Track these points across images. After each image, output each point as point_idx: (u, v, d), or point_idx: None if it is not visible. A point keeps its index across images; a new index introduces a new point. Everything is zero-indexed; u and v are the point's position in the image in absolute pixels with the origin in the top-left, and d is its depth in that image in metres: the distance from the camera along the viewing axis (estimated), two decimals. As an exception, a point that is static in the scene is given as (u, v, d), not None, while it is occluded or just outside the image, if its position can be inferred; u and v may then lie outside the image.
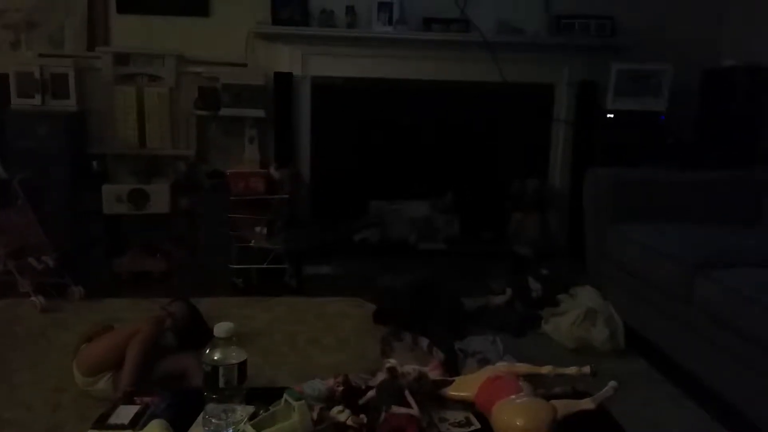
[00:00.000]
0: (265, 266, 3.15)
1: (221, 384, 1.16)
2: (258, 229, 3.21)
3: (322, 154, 3.74)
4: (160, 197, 3.34)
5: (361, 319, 2.74)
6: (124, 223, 3.44)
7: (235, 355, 1.19)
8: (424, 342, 2.19)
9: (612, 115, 3.50)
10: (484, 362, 2.00)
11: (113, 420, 1.19)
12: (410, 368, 1.22)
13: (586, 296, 2.64)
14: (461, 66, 3.67)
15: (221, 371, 1.17)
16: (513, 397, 1.15)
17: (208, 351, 1.19)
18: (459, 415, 1.21)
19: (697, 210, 2.73)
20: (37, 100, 3.33)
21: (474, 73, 3.68)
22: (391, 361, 1.21)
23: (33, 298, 2.72)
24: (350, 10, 3.52)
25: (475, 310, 2.76)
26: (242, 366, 1.19)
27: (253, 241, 3.20)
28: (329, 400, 1.18)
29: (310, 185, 3.73)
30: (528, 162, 3.82)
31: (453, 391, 1.26)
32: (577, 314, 2.51)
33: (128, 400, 1.27)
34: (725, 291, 2.01)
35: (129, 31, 3.54)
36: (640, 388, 2.16)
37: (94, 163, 3.43)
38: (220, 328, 1.20)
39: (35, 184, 3.09)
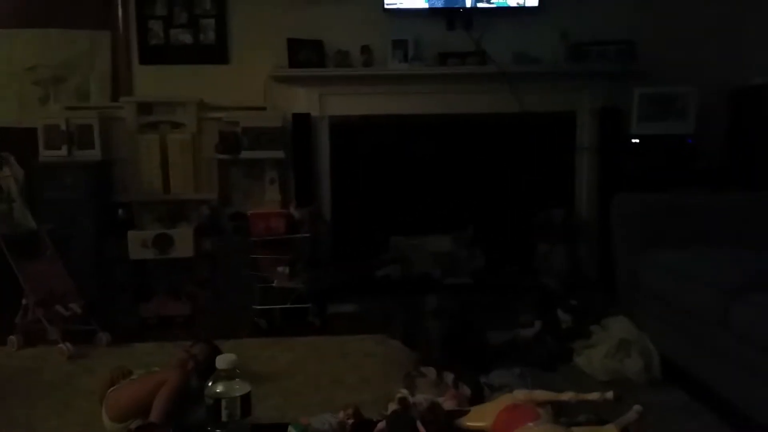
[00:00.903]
0: (288, 306, 3.12)
1: (224, 417, 1.12)
2: (280, 269, 3.21)
3: (342, 192, 3.74)
4: (184, 241, 3.36)
5: (384, 357, 2.67)
6: (149, 268, 3.47)
7: (239, 388, 1.15)
8: (450, 377, 2.11)
9: (637, 140, 3.42)
10: (511, 398, 1.91)
11: None
12: (422, 398, 1.16)
13: (618, 327, 2.53)
14: (479, 98, 3.66)
15: (224, 404, 1.13)
16: (531, 424, 1.08)
17: (210, 384, 1.15)
18: None
19: (730, 234, 2.62)
20: (63, 151, 3.43)
21: (492, 105, 3.66)
22: (403, 391, 1.15)
23: (61, 345, 2.74)
24: (365, 49, 3.57)
25: (502, 345, 2.66)
26: (245, 399, 1.15)
27: (275, 282, 3.19)
28: (339, 433, 1.12)
29: (331, 223, 3.72)
30: (552, 192, 3.75)
31: (469, 422, 1.19)
32: (610, 345, 2.41)
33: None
34: (763, 314, 1.91)
35: (151, 81, 3.65)
36: (679, 420, 2.05)
37: (120, 211, 3.48)
38: (222, 360, 1.17)
39: (63, 233, 3.16)
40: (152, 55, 3.65)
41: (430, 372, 2.11)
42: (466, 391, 1.99)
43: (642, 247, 2.65)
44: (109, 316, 3.09)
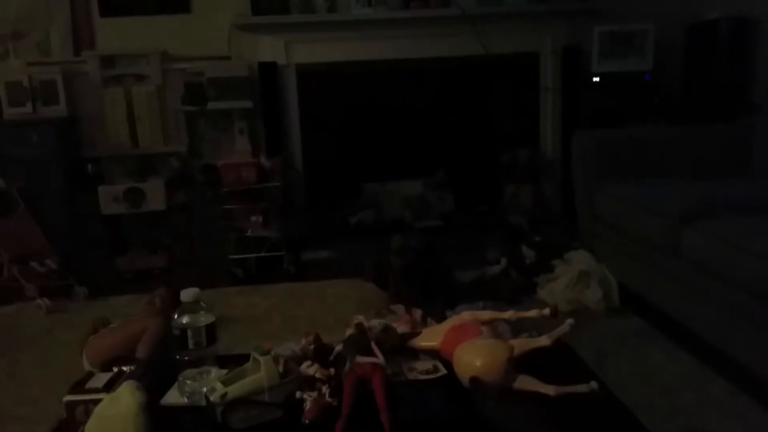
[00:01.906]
0: (263, 254, 3.19)
1: (191, 346, 1.21)
2: (253, 218, 3.26)
3: (312, 141, 3.77)
4: (155, 195, 3.38)
5: (359, 299, 2.76)
6: (123, 222, 3.49)
7: (203, 319, 1.23)
8: (418, 313, 2.23)
9: (597, 79, 3.49)
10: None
11: (89, 385, 1.24)
12: (376, 322, 1.27)
13: (579, 259, 2.65)
14: (444, 42, 3.67)
15: (190, 334, 1.21)
16: (473, 339, 1.19)
17: (176, 316, 1.23)
18: (428, 364, 1.25)
19: (685, 165, 2.72)
20: (28, 108, 3.39)
21: (457, 48, 3.68)
22: (359, 318, 1.25)
23: (38, 301, 2.78)
24: (329, -6, 3.53)
25: (470, 282, 2.78)
26: (210, 328, 1.24)
27: (249, 231, 3.24)
28: (302, 357, 1.22)
29: (303, 172, 3.76)
30: (518, 132, 3.83)
31: (420, 342, 1.30)
32: (570, 277, 2.53)
33: (106, 368, 1.33)
34: (711, 240, 2.00)
35: (113, 34, 3.58)
36: (636, 345, 2.17)
37: (89, 166, 3.48)
38: (187, 294, 1.25)
39: (33, 190, 3.16)
40: (112, 7, 3.56)
41: (399, 309, 2.21)
42: (432, 324, 2.11)
43: (599, 181, 2.75)
44: (85, 271, 3.12)
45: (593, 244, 2.79)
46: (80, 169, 3.47)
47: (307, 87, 3.70)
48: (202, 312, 1.22)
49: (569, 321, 1.26)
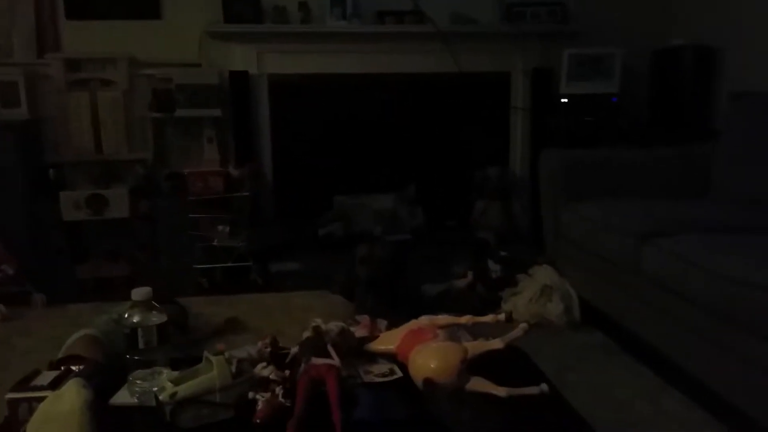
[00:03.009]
0: (229, 265, 3.15)
1: (141, 345, 1.18)
2: (220, 228, 3.22)
3: (283, 151, 3.75)
4: (118, 202, 3.31)
5: (325, 310, 2.74)
6: (85, 229, 3.41)
7: (155, 318, 1.21)
8: (383, 324, 2.21)
9: (566, 100, 3.56)
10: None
11: (34, 383, 1.20)
12: (333, 325, 1.26)
13: (543, 274, 2.68)
14: (417, 58, 3.71)
15: (140, 333, 1.18)
16: (428, 342, 1.19)
17: (126, 315, 1.21)
18: (384, 368, 1.25)
19: (648, 186, 2.79)
20: (-13, 109, 3.30)
21: (430, 65, 3.72)
22: (317, 321, 1.24)
23: (-7, 307, 2.69)
24: (303, 5, 3.54)
25: (437, 295, 2.78)
26: (162, 327, 1.21)
27: (216, 241, 3.20)
28: (258, 360, 1.20)
29: (273, 182, 3.74)
30: (489, 150, 3.87)
31: (377, 345, 1.30)
32: (534, 291, 2.56)
33: (54, 367, 1.28)
34: (668, 257, 2.05)
35: (79, 37, 3.51)
36: (596, 359, 2.21)
37: (51, 172, 3.39)
38: (138, 293, 1.22)
39: (-9, 194, 3.07)
40: (79, 10, 3.49)
41: (364, 319, 2.20)
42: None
43: (565, 199, 2.79)
44: (44, 278, 3.04)
45: (557, 260, 2.83)
46: (41, 174, 3.38)
47: (279, 97, 3.69)
48: (154, 312, 1.19)
49: (522, 325, 1.28)
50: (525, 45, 3.75)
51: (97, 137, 3.50)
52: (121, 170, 3.53)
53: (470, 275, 2.89)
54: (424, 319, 1.34)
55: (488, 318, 1.32)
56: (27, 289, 2.86)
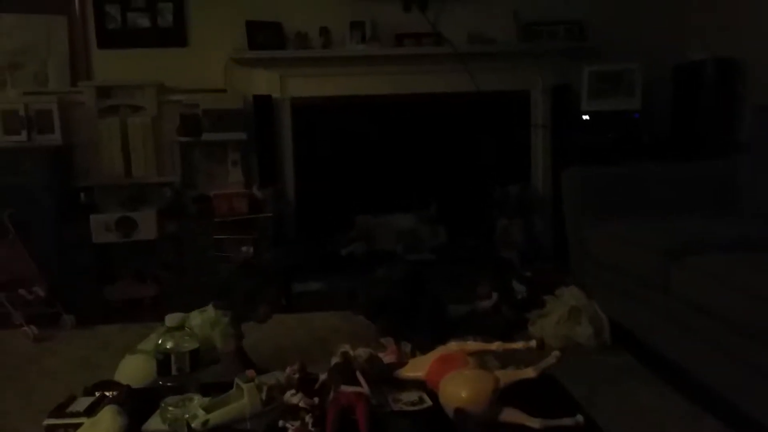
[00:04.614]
0: (254, 284, 3.16)
1: (173, 371, 1.19)
2: (244, 248, 3.26)
3: (305, 173, 3.80)
4: (147, 224, 3.38)
5: (349, 332, 2.74)
6: (113, 251, 3.48)
7: (188, 344, 1.22)
8: (407, 347, 2.21)
9: (587, 117, 3.55)
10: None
11: (71, 409, 1.22)
12: (362, 351, 1.26)
13: (570, 296, 2.64)
14: (436, 78, 3.74)
15: (173, 359, 1.20)
16: (459, 370, 1.18)
17: (160, 341, 1.22)
18: (413, 395, 1.24)
19: (674, 202, 2.74)
20: (23, 136, 3.40)
21: (450, 85, 3.75)
22: (345, 347, 1.25)
23: (25, 329, 2.75)
24: (324, 30, 3.60)
25: (461, 316, 2.77)
26: (194, 354, 1.22)
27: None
28: (286, 387, 1.21)
29: (296, 203, 3.78)
30: (509, 168, 3.87)
31: (406, 372, 1.29)
32: (561, 313, 2.53)
33: (89, 393, 1.30)
34: (699, 277, 2.01)
35: (110, 66, 3.63)
36: (626, 383, 2.15)
37: (82, 195, 3.47)
38: (171, 319, 1.24)
39: (24, 218, 3.15)
40: (110, 39, 3.62)
41: (389, 342, 2.19)
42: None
43: (589, 217, 2.76)
44: (73, 299, 3.09)
45: (584, 281, 2.79)
46: (72, 197, 3.47)
47: (301, 120, 3.75)
48: (186, 337, 1.21)
49: (555, 353, 1.26)
50: (544, 63, 3.76)
51: (127, 161, 3.59)
52: (149, 193, 3.60)
53: (495, 296, 2.87)
54: (453, 345, 1.34)
55: (519, 344, 1.30)
56: (57, 310, 2.92)
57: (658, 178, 2.85)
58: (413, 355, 2.18)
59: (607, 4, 3.77)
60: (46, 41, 3.60)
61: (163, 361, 1.20)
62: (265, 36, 3.53)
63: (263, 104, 3.61)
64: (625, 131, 3.50)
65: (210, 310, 2.07)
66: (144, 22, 3.62)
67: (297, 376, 1.22)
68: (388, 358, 1.30)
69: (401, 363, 1.34)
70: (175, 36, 3.63)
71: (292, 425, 1.14)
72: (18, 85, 3.59)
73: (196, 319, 2.05)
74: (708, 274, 1.99)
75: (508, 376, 1.17)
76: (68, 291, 3.14)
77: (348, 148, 3.84)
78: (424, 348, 2.24)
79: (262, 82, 3.65)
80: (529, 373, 1.21)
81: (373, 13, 3.66)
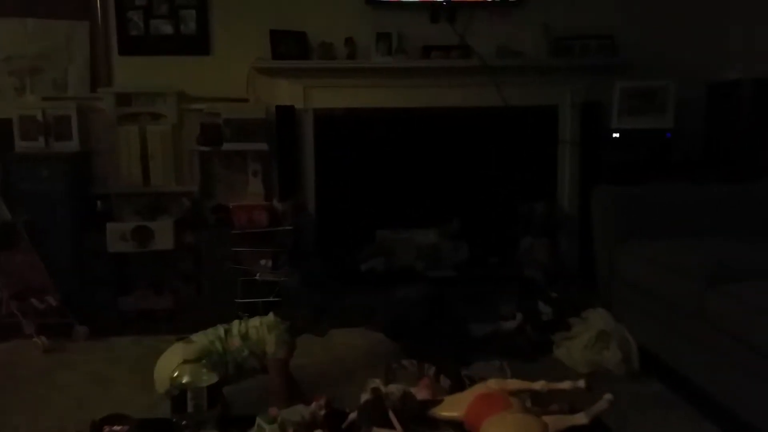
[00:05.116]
0: (271, 299, 3.11)
1: (189, 408, 1.10)
2: (263, 262, 3.19)
3: (326, 185, 3.73)
4: (164, 234, 3.32)
5: (367, 349, 2.68)
6: (129, 261, 3.43)
7: (206, 378, 1.13)
8: (431, 369, 2.13)
9: (618, 135, 3.45)
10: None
11: None
12: (395, 388, 1.17)
13: (597, 319, 2.56)
14: (463, 92, 3.66)
15: (189, 395, 1.11)
16: (503, 413, 1.09)
17: (176, 374, 1.14)
18: None
19: (706, 225, 2.65)
20: (40, 142, 3.37)
21: (476, 99, 3.66)
22: (375, 381, 1.16)
23: (36, 339, 2.70)
24: (349, 41, 3.55)
25: (484, 336, 2.68)
26: (213, 390, 1.13)
27: (258, 275, 3.17)
28: (312, 424, 1.12)
29: (316, 216, 3.71)
30: (535, 185, 3.77)
31: (442, 411, 1.20)
32: (589, 337, 2.44)
33: (96, 428, 1.23)
34: (737, 304, 1.94)
35: (131, 72, 3.59)
36: (657, 411, 2.09)
37: (98, 203, 3.43)
38: (188, 350, 1.16)
39: (39, 225, 3.11)
40: (132, 46, 3.58)
41: (411, 364, 2.11)
42: (446, 383, 2.00)
43: (620, 238, 2.68)
44: (87, 309, 3.05)
45: (612, 303, 2.70)
46: (89, 205, 3.42)
47: (323, 132, 3.69)
48: (204, 371, 1.12)
49: (608, 397, 1.15)
50: (573, 78, 3.67)
51: (145, 169, 3.54)
52: (167, 202, 3.55)
53: (519, 316, 2.78)
54: (492, 383, 1.24)
55: (565, 385, 1.19)
56: (69, 320, 2.87)
57: (693, 200, 2.76)
58: (438, 379, 2.09)
59: (641, 19, 3.67)
60: (67, 47, 3.58)
61: (179, 397, 1.11)
62: (289, 46, 3.48)
63: (286, 115, 3.55)
64: (655, 150, 3.39)
65: (270, 316, 2.15)
66: (167, 29, 3.59)
67: (323, 412, 1.13)
68: (421, 394, 1.20)
69: (436, 401, 1.23)
70: (198, 44, 3.59)
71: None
72: (37, 90, 3.56)
73: (255, 321, 2.13)
74: (745, 301, 1.92)
75: (558, 422, 1.06)
76: (82, 301, 3.09)
77: (370, 160, 3.77)
78: (448, 371, 2.16)
79: (285, 92, 3.59)
80: (581, 419, 1.10)
81: (399, 24, 3.60)
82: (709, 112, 3.44)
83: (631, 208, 2.71)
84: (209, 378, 1.11)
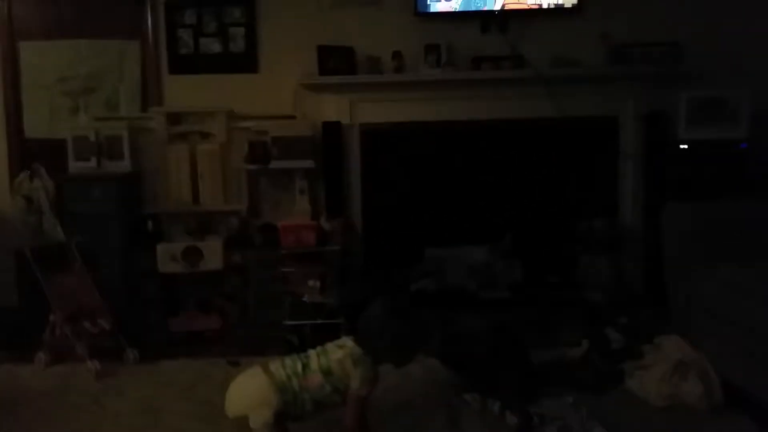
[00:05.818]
0: (319, 322, 3.02)
1: None
2: (311, 283, 3.12)
3: (374, 202, 3.63)
4: (213, 254, 3.29)
5: (422, 377, 2.54)
6: (178, 281, 3.40)
7: None
8: (495, 405, 1.98)
9: (686, 146, 3.24)
10: (565, 430, 1.77)
11: None
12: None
13: (673, 347, 2.37)
14: (515, 103, 3.51)
15: None
16: None
17: None
18: None
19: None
20: (93, 163, 3.39)
21: (529, 110, 3.51)
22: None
23: (88, 363, 2.68)
24: (397, 54, 3.45)
25: (547, 366, 2.51)
26: None
27: (306, 296, 3.10)
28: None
29: (363, 234, 3.61)
30: (594, 200, 3.57)
31: None
32: (666, 368, 2.24)
33: None
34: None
35: (181, 91, 3.59)
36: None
37: (149, 223, 3.42)
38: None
39: (91, 246, 3.11)
40: (182, 65, 3.59)
41: (474, 400, 1.97)
42: (512, 419, 1.86)
43: (697, 261, 2.48)
44: (137, 331, 3.03)
45: (688, 330, 2.49)
46: (140, 225, 3.42)
47: (370, 147, 3.59)
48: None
49: None
50: (635, 87, 3.47)
51: (195, 188, 3.53)
52: (215, 221, 3.53)
53: (585, 343, 2.60)
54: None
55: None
56: (120, 344, 2.84)
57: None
58: (502, 416, 1.95)
59: (708, 25, 3.44)
60: (119, 66, 3.61)
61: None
62: (336, 61, 3.41)
63: (332, 131, 3.48)
64: (728, 163, 3.16)
65: (352, 346, 1.96)
66: (216, 47, 3.58)
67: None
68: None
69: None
70: (246, 61, 3.57)
71: None
72: (89, 110, 3.61)
73: (336, 353, 1.96)
74: None
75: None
76: (133, 322, 3.07)
77: (418, 175, 3.66)
78: (514, 406, 2.01)
79: (332, 108, 3.52)
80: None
81: (448, 35, 3.49)
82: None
83: (708, 227, 2.51)
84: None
